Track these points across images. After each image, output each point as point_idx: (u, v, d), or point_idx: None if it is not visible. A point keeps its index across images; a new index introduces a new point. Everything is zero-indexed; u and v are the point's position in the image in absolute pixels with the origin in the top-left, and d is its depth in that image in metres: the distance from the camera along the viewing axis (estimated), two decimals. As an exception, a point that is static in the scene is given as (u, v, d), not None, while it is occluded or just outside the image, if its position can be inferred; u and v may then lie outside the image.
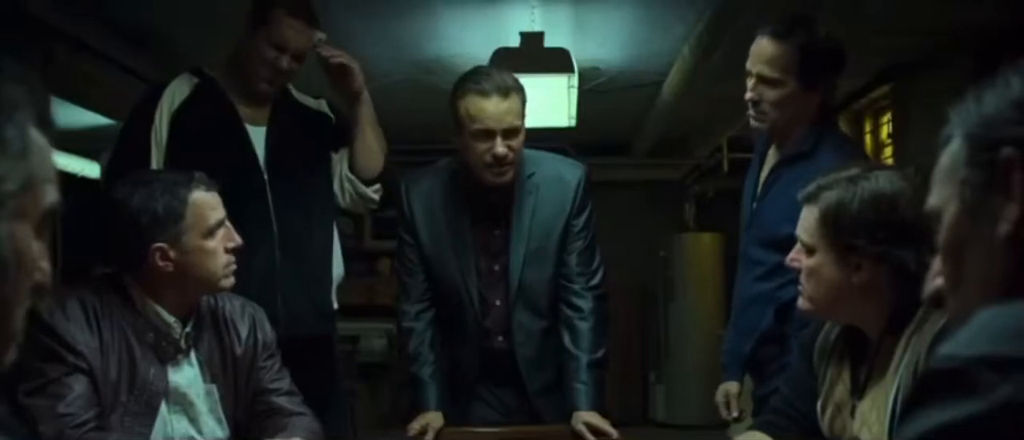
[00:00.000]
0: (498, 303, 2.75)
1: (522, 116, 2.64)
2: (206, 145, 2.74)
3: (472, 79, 2.64)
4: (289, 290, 2.77)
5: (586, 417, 2.60)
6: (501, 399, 2.79)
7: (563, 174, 2.76)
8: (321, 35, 2.81)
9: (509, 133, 2.61)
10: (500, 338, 2.76)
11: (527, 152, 2.74)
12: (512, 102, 2.61)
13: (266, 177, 2.79)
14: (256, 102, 2.84)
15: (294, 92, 2.95)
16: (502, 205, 2.72)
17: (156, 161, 2.75)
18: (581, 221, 2.75)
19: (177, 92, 2.82)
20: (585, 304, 2.72)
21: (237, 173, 2.70)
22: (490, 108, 2.59)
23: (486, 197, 2.71)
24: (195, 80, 2.85)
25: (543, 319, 2.76)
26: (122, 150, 2.83)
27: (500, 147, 2.60)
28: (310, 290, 2.85)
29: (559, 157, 2.86)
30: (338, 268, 2.97)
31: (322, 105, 2.98)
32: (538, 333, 2.76)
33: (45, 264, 0.93)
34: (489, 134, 2.60)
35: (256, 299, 2.41)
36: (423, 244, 2.75)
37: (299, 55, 2.77)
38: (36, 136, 0.89)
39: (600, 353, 2.71)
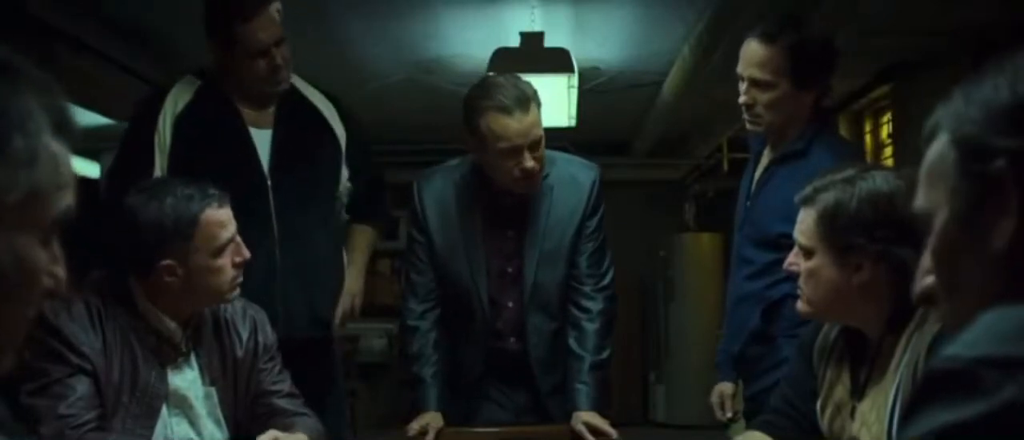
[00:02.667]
0: (511, 305, 2.74)
1: (542, 125, 2.61)
2: (209, 150, 2.72)
3: (489, 95, 2.58)
4: (288, 292, 2.76)
5: (586, 417, 2.60)
6: (512, 399, 2.79)
7: (577, 175, 2.74)
8: (277, 4, 2.75)
9: (535, 145, 2.58)
10: (513, 339, 2.75)
11: None
12: (534, 113, 2.57)
13: (269, 182, 2.77)
14: (261, 104, 2.82)
15: (301, 86, 2.91)
16: (515, 206, 2.71)
17: (159, 166, 2.73)
18: (594, 222, 2.73)
19: (180, 96, 2.80)
20: (594, 305, 2.71)
21: (240, 177, 2.68)
22: (515, 125, 2.54)
23: (499, 198, 2.70)
24: (198, 82, 2.83)
25: (555, 320, 2.75)
26: (125, 155, 2.82)
27: (529, 161, 2.57)
28: (309, 293, 2.84)
29: (572, 157, 2.84)
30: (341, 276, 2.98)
31: (332, 110, 2.93)
32: (550, 334, 2.75)
33: (59, 270, 0.92)
34: (516, 151, 2.56)
35: (254, 300, 2.41)
36: (434, 244, 2.74)
37: (281, 40, 2.73)
38: (49, 143, 0.88)
39: (604, 354, 2.70)
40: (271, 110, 2.83)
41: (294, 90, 2.87)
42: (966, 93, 0.88)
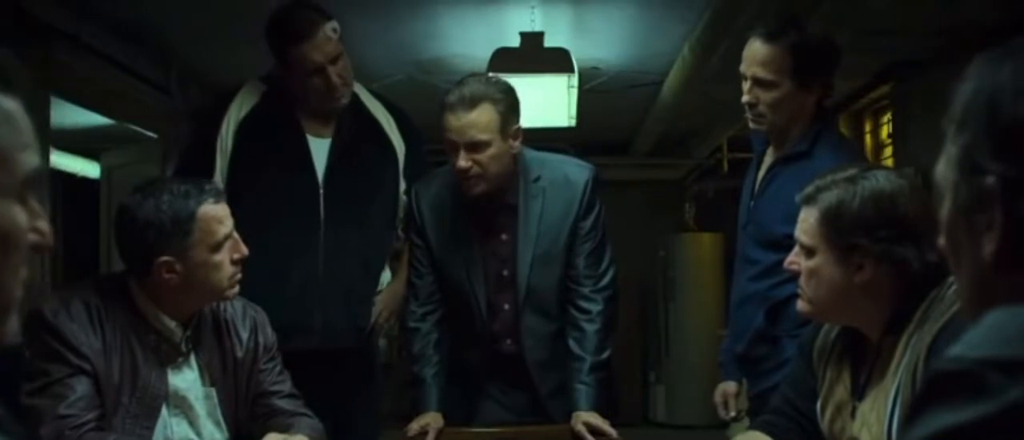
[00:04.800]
0: (507, 307, 2.74)
1: (492, 129, 2.57)
2: (268, 156, 2.78)
3: (452, 90, 2.62)
4: (328, 302, 2.78)
5: (585, 417, 2.60)
6: (513, 400, 2.79)
7: (569, 176, 2.73)
8: (333, 23, 2.78)
9: (472, 147, 2.56)
10: (509, 341, 2.75)
11: (533, 155, 2.72)
12: (478, 114, 2.55)
13: (321, 190, 2.80)
14: (324, 113, 2.85)
15: (363, 97, 2.94)
16: (508, 210, 2.70)
17: (220, 169, 2.78)
18: (589, 223, 2.72)
19: (245, 100, 2.85)
20: (593, 306, 2.71)
21: (293, 184, 2.75)
22: (453, 121, 2.55)
23: (492, 202, 2.70)
24: (264, 88, 2.87)
25: (553, 322, 2.74)
26: (188, 156, 2.89)
27: (461, 160, 2.56)
28: (349, 304, 2.85)
29: (566, 158, 2.84)
30: (386, 278, 2.99)
31: (392, 123, 2.94)
32: (548, 336, 2.74)
33: (42, 224, 0.92)
34: (453, 147, 2.57)
35: (294, 309, 2.41)
36: (432, 248, 2.75)
37: (337, 58, 2.77)
38: (2, 103, 0.87)
39: (604, 355, 2.70)
40: (333, 120, 2.87)
41: (356, 101, 2.90)
42: (967, 105, 0.88)
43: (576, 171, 2.75)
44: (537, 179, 2.70)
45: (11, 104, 0.89)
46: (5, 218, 0.87)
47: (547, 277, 2.71)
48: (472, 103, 2.55)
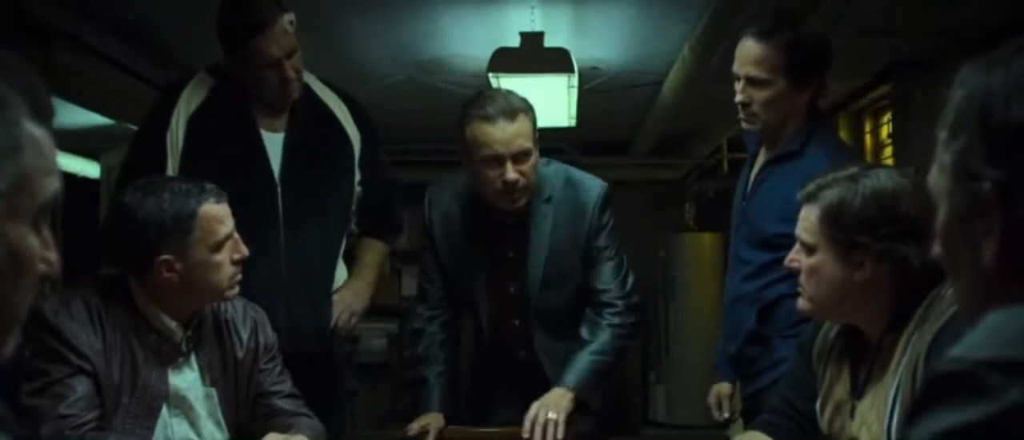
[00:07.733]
0: (517, 323, 2.73)
1: (532, 138, 2.57)
2: (220, 152, 2.70)
3: (477, 105, 2.56)
4: (293, 303, 2.74)
5: (555, 396, 2.50)
6: (530, 401, 2.76)
7: (579, 195, 2.69)
8: (289, 16, 2.69)
9: (519, 157, 2.54)
10: (523, 352, 2.76)
11: (544, 171, 2.67)
12: (520, 124, 2.53)
13: (279, 188, 2.75)
14: (276, 107, 2.78)
15: (315, 87, 2.87)
16: (518, 227, 2.68)
17: (171, 164, 2.70)
18: (601, 241, 2.68)
19: (194, 94, 2.76)
20: (627, 319, 2.65)
21: (249, 181, 2.67)
22: (497, 133, 2.51)
23: (503, 219, 2.67)
24: (212, 81, 2.79)
25: (565, 340, 2.69)
26: (136, 151, 2.79)
27: (511, 173, 2.53)
28: (314, 304, 2.81)
29: (577, 173, 2.76)
30: (341, 274, 2.95)
31: (345, 112, 2.88)
32: (561, 351, 2.68)
33: (52, 255, 0.92)
34: (498, 160, 2.53)
35: None
36: (441, 257, 2.75)
37: (292, 52, 2.69)
38: (30, 129, 0.88)
39: (611, 353, 2.62)
40: (285, 113, 2.79)
41: (309, 92, 2.83)
42: (967, 98, 0.87)
43: (586, 190, 2.70)
44: (549, 199, 2.67)
45: (39, 130, 0.89)
46: (18, 244, 0.88)
47: (557, 296, 2.69)
48: (513, 114, 2.53)
